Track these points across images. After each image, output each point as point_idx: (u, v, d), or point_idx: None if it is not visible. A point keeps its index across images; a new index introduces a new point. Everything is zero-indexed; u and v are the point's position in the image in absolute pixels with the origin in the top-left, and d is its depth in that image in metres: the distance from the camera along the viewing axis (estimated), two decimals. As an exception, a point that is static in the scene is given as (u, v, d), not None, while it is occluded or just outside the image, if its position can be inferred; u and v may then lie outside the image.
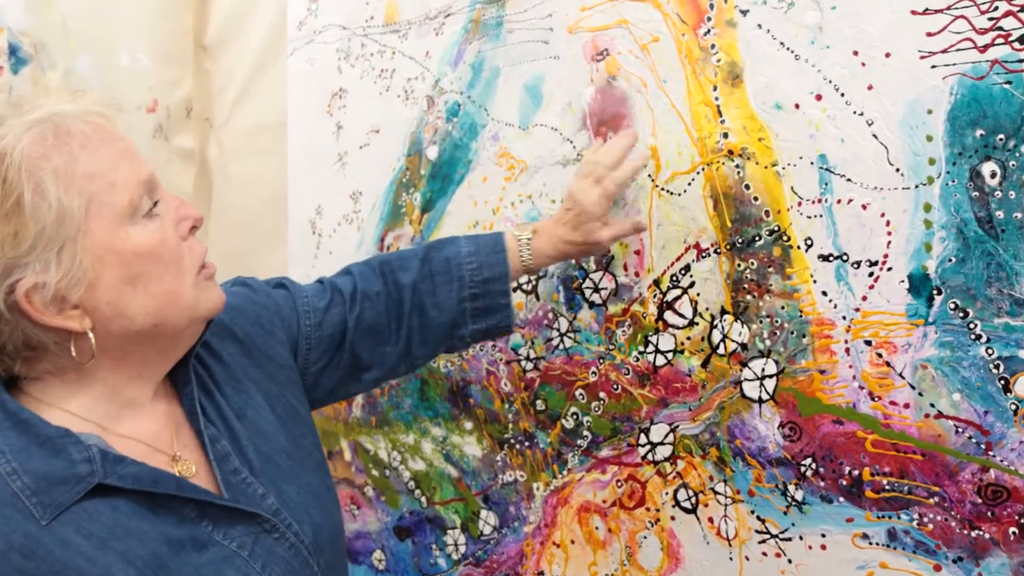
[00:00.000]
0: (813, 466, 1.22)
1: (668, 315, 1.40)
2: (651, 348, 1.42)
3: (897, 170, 1.11)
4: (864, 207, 1.14)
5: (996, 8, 1.01)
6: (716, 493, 1.35)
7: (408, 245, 1.93)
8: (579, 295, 1.54)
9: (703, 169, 1.32)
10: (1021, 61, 1.00)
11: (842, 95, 1.16)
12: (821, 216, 1.19)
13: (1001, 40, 1.02)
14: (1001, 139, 1.02)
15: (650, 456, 1.44)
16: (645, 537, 1.47)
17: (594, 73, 1.49)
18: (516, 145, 1.64)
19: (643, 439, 1.45)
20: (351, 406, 2.17)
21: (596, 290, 1.51)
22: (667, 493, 1.43)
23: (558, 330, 1.59)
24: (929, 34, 1.07)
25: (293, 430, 1.20)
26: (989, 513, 1.06)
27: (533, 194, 1.61)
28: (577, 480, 1.59)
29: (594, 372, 1.52)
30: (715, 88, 1.30)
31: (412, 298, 1.33)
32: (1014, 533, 1.04)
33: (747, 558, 1.32)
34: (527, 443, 1.67)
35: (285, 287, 1.31)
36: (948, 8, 1.05)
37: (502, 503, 1.76)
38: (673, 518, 1.42)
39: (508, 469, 1.73)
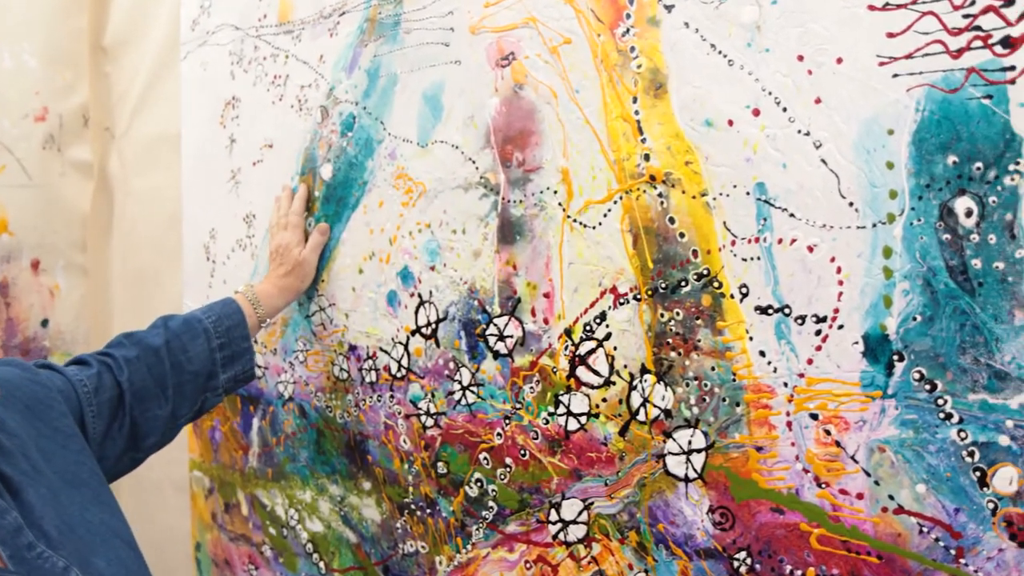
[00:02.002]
0: (748, 561, 1.01)
1: (581, 371, 1.17)
2: (562, 409, 1.20)
3: (851, 204, 0.89)
4: (810, 249, 0.92)
5: (973, 3, 0.80)
6: (636, 585, 1.13)
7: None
8: (483, 343, 1.31)
9: (621, 198, 1.10)
10: (1004, 70, 0.78)
11: (784, 110, 0.94)
12: (759, 259, 0.97)
13: (979, 43, 0.80)
14: (979, 168, 0.80)
15: (562, 536, 1.22)
16: (559, 630, 1.24)
17: (499, 81, 1.26)
18: (414, 164, 1.42)
19: (554, 515, 1.23)
20: (247, 455, 1.94)
21: (501, 338, 1.28)
22: (581, 581, 1.20)
23: (460, 383, 1.36)
24: (890, 35, 0.86)
25: (96, 501, 1.13)
26: (962, 638, 0.84)
27: (432, 222, 1.38)
28: (482, 557, 1.37)
29: (499, 434, 1.30)
30: (635, 100, 1.08)
31: (169, 357, 1.39)
32: (993, 665, 0.82)
33: (672, 665, 1.10)
34: (428, 510, 1.45)
35: (49, 367, 1.27)
36: (914, 2, 0.83)
37: (403, 576, 1.53)
38: (591, 609, 1.20)
39: (409, 538, 1.50)
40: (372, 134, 1.50)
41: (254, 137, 1.84)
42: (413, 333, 1.44)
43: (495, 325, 1.29)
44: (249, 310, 1.55)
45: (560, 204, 1.18)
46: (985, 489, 0.81)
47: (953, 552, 0.84)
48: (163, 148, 2.29)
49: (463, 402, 1.36)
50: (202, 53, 2.03)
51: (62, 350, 2.64)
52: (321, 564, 1.76)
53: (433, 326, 1.40)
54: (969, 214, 0.81)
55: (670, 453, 1.08)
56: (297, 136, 1.70)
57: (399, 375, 1.48)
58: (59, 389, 1.21)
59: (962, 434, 0.82)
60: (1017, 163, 0.78)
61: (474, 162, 1.30)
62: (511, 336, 1.26)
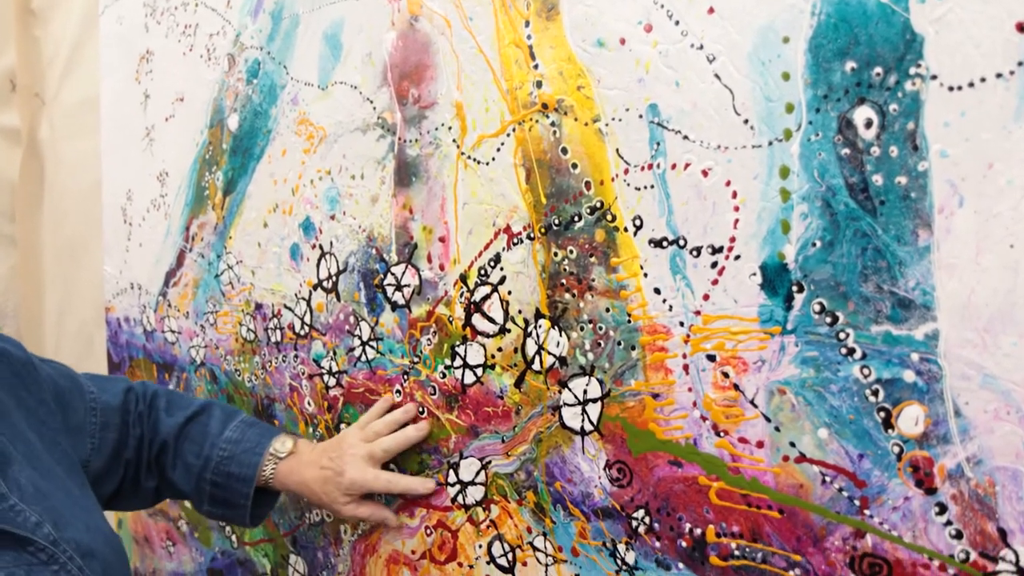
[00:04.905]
0: (647, 520, 0.92)
1: (476, 319, 1.09)
2: (458, 362, 1.11)
3: (745, 122, 0.81)
4: (705, 173, 0.84)
5: None
6: (535, 549, 1.05)
7: (211, 234, 1.61)
8: (381, 294, 1.22)
9: (514, 129, 1.02)
10: (904, -37, 0.70)
11: (677, 23, 0.86)
12: (652, 187, 0.89)
13: (878, -66, 0.71)
14: (878, 74, 0.71)
15: (460, 499, 1.14)
16: (459, 600, 1.16)
17: (395, 15, 1.17)
18: (315, 108, 1.33)
19: (452, 476, 1.15)
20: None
21: (398, 287, 1.19)
22: (480, 546, 1.13)
23: (360, 337, 1.27)
24: (785, -69, 0.77)
25: (74, 474, 1.06)
26: (865, 595, 0.75)
27: (332, 169, 1.30)
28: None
29: (398, 390, 1.21)
30: (527, 23, 1.00)
31: (161, 451, 1.26)
32: (898, 625, 0.74)
33: (573, 634, 1.02)
34: (333, 476, 1.36)
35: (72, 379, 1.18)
36: None
37: (310, 547, 1.45)
38: (489, 577, 1.12)
39: (315, 507, 1.41)
40: (276, 80, 1.42)
41: (166, 91, 1.75)
42: (315, 287, 1.36)
43: (392, 274, 1.20)
44: (261, 470, 1.24)
45: (454, 141, 1.09)
46: (890, 431, 0.73)
47: (857, 503, 0.76)
48: (89, 111, 2.20)
49: (363, 358, 1.27)
50: (119, 7, 1.94)
51: (-11, 324, 2.55)
52: (233, 538, 1.68)
53: (334, 279, 1.31)
54: (869, 125, 0.73)
55: (565, 404, 0.99)
56: (206, 87, 1.61)
57: (302, 333, 1.40)
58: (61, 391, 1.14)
59: (865, 371, 0.74)
60: (918, 66, 0.69)
61: (372, 102, 1.22)
62: (408, 285, 1.18)
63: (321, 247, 1.34)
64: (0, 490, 0.91)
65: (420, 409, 1.19)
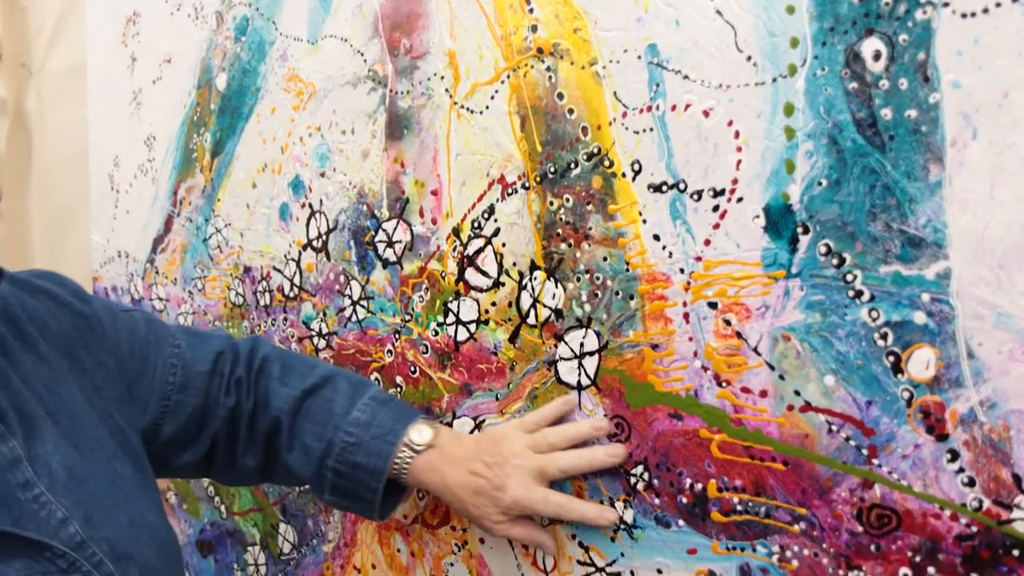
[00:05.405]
0: (646, 476, 0.90)
1: (469, 273, 1.06)
2: (451, 318, 1.08)
3: (748, 58, 0.77)
4: (706, 114, 0.81)
5: None
6: (531, 510, 1.02)
7: (200, 197, 1.57)
8: (372, 251, 1.19)
9: (508, 76, 0.99)
10: None
11: (677, -41, 0.82)
12: (651, 130, 0.85)
13: None
14: (887, 3, 0.68)
15: (454, 460, 1.11)
16: (452, 564, 1.14)
17: (386, -38, 1.14)
18: (304, 64, 1.30)
19: (446, 438, 1.12)
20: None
21: (390, 244, 1.16)
22: (474, 508, 1.09)
23: (350, 297, 1.24)
24: None
25: (126, 452, 0.93)
26: (873, 547, 0.73)
27: (323, 125, 1.27)
28: (376, 489, 1.25)
29: (390, 351, 1.18)
30: (522, -35, 0.96)
31: (276, 430, 1.09)
32: (906, 575, 0.70)
33: (569, 596, 1.00)
34: (324, 441, 1.33)
35: (156, 327, 1.07)
36: None
37: (300, 516, 1.42)
38: (482, 541, 1.10)
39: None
40: (265, 36, 1.38)
41: (153, 53, 1.72)
42: (305, 247, 1.33)
43: (384, 231, 1.17)
44: (393, 463, 1.04)
45: (447, 90, 1.06)
46: (899, 376, 0.70)
47: (865, 452, 0.73)
48: (76, 80, 2.17)
49: (353, 318, 1.24)
50: (104, -31, 1.91)
51: (-23, 299, 2.50)
52: (222, 508, 1.65)
53: (324, 238, 1.28)
54: (877, 57, 0.69)
55: (561, 359, 0.96)
56: (194, 47, 1.58)
57: (292, 295, 1.37)
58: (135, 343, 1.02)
59: (873, 314, 0.71)
60: (930, -8, 0.66)
61: (362, 54, 1.19)
62: (400, 241, 1.15)
63: (311, 206, 1.31)
64: (24, 475, 0.79)
65: (412, 369, 1.16)
